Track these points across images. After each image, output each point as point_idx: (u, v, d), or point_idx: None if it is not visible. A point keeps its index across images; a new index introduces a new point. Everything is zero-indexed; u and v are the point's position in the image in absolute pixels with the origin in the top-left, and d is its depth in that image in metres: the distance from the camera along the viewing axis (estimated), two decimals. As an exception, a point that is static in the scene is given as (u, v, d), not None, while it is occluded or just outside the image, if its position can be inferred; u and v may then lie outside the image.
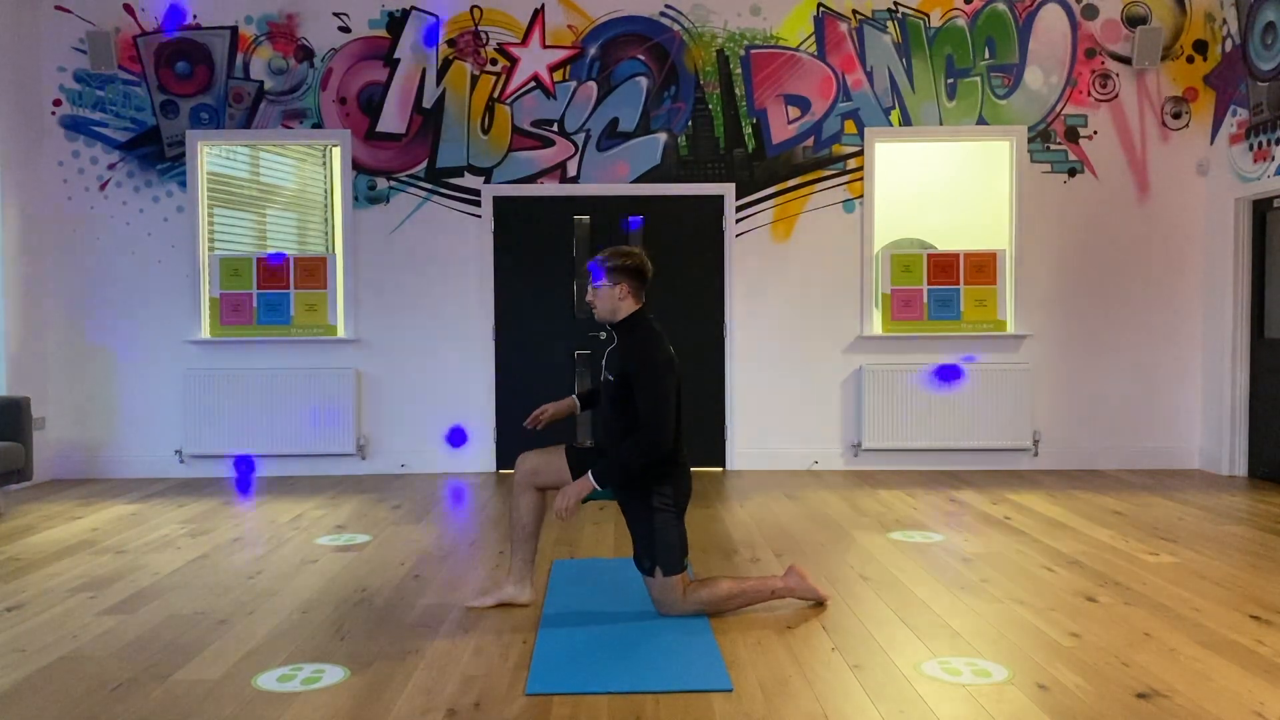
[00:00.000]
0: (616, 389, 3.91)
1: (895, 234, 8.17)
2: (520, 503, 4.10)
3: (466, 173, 7.71)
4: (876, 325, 7.79)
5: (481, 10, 7.67)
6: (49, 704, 3.20)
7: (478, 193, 7.71)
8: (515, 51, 7.68)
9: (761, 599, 4.05)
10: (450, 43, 7.68)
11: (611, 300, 3.96)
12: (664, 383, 3.83)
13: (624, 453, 3.82)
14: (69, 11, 7.60)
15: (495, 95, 7.69)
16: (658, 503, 3.91)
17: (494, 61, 7.68)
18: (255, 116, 7.68)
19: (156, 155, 7.69)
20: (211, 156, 7.90)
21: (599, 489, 3.85)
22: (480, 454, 7.75)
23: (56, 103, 7.64)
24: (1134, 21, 7.65)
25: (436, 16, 7.64)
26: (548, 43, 7.67)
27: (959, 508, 6.26)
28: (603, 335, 7.74)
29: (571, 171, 7.70)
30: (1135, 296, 7.75)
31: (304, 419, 7.64)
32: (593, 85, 7.68)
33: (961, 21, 7.68)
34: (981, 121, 7.71)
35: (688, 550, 4.00)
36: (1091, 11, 7.67)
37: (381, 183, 7.71)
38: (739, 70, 7.70)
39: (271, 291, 7.69)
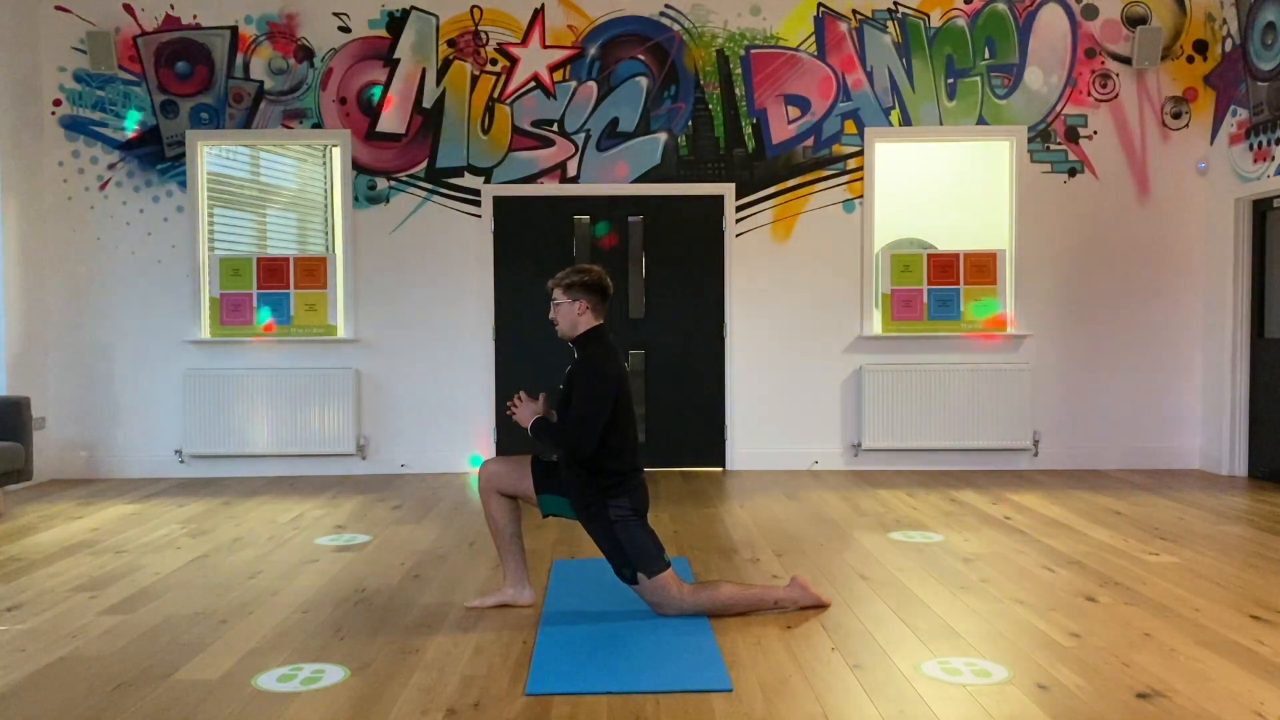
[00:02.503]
0: (567, 398, 4.00)
1: (895, 234, 8.17)
2: (490, 510, 4.13)
3: (466, 173, 7.71)
4: (876, 325, 7.79)
5: (481, 10, 7.67)
6: (49, 704, 3.20)
7: (478, 193, 7.71)
8: (515, 51, 7.68)
9: (763, 607, 4.06)
10: (450, 43, 7.68)
11: (571, 316, 4.03)
12: (601, 397, 3.90)
13: (553, 432, 3.96)
14: (69, 11, 7.60)
15: (495, 95, 7.69)
16: (615, 515, 3.95)
17: (494, 61, 7.68)
18: (255, 116, 7.68)
19: (156, 155, 7.69)
20: (211, 156, 7.90)
21: (530, 434, 3.99)
22: (481, 454, 7.74)
23: (56, 102, 7.64)
24: (1134, 21, 7.65)
25: (437, 15, 7.64)
26: (548, 43, 7.67)
27: (959, 508, 6.26)
28: (603, 335, 7.73)
29: (571, 171, 7.70)
30: (1135, 296, 7.75)
31: (304, 419, 7.64)
32: (593, 85, 7.68)
33: (961, 21, 7.68)
34: (981, 121, 7.71)
35: (663, 548, 4.02)
36: (1091, 11, 7.67)
37: (381, 183, 7.72)
38: (739, 70, 7.70)
39: (272, 292, 7.69)
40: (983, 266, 7.73)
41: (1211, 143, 7.61)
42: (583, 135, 7.69)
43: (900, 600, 4.25)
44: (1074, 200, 7.72)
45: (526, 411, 4.03)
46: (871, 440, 7.68)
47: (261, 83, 7.67)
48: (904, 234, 8.25)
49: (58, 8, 7.61)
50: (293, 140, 7.95)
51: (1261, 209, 7.26)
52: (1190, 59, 7.68)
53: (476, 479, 4.20)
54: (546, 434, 3.98)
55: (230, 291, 7.69)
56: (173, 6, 7.64)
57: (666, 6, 7.68)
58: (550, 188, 7.71)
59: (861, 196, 7.71)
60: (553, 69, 7.68)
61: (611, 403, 3.92)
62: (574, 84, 7.69)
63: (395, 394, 7.76)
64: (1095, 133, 7.70)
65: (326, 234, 8.79)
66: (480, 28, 7.68)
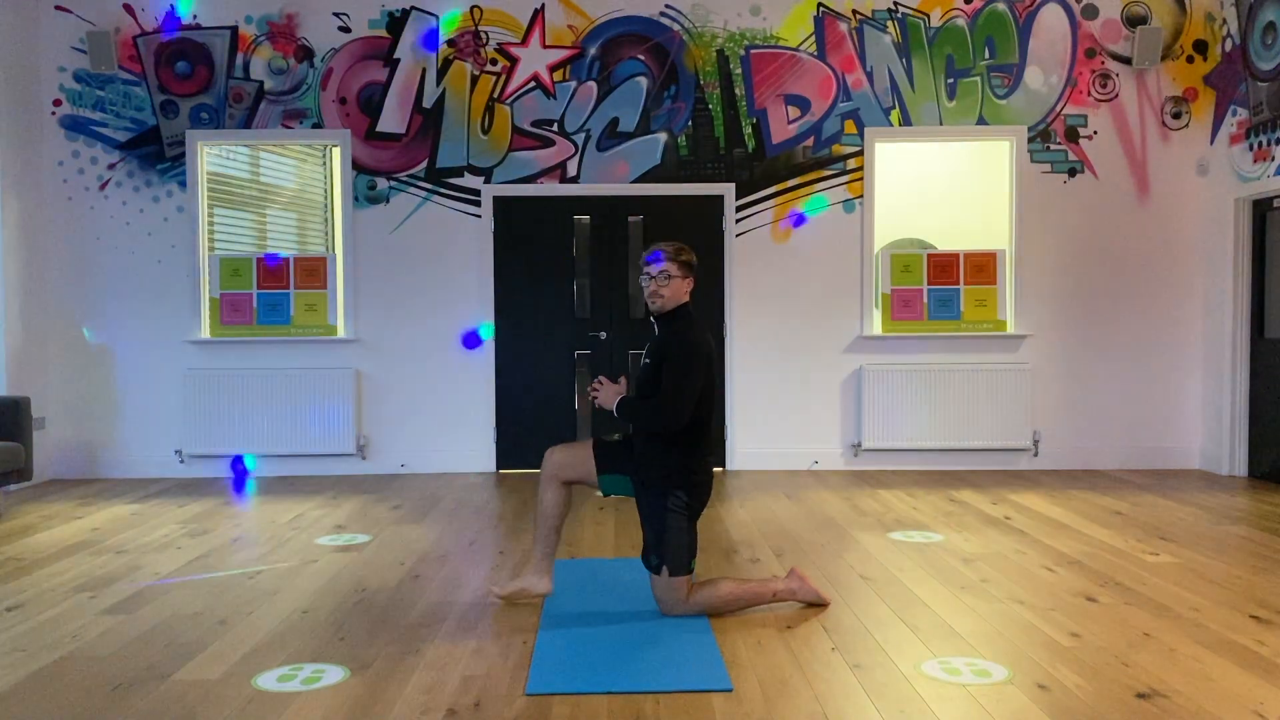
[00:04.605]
0: (653, 372, 4.00)
1: (895, 234, 8.17)
2: (545, 496, 4.14)
3: (466, 173, 7.71)
4: (876, 325, 7.79)
5: (481, 10, 7.67)
6: (49, 704, 3.20)
7: (478, 193, 7.71)
8: (515, 51, 7.68)
9: (763, 601, 4.07)
10: (450, 43, 7.68)
11: (680, 291, 4.05)
12: (694, 370, 3.91)
13: (643, 408, 3.95)
14: (69, 11, 7.60)
15: (495, 95, 7.69)
16: (671, 504, 3.96)
17: (494, 61, 7.68)
18: (255, 116, 7.68)
19: (156, 155, 7.69)
20: (211, 156, 7.90)
21: (615, 415, 4.01)
22: (480, 454, 7.75)
23: (56, 103, 7.64)
24: (1134, 21, 7.65)
25: (436, 16, 7.64)
26: (548, 43, 7.67)
27: (959, 508, 6.26)
28: (603, 335, 7.75)
29: (571, 171, 7.70)
30: (1135, 296, 7.75)
31: (304, 419, 7.64)
32: (593, 85, 7.68)
33: (961, 21, 7.68)
34: (981, 121, 7.71)
35: (696, 554, 4.03)
36: (1091, 11, 7.67)
37: (381, 183, 7.72)
38: (739, 70, 7.70)
39: (272, 291, 7.70)
40: (983, 266, 7.73)
41: (1211, 143, 7.61)
42: (583, 135, 7.69)
43: (900, 600, 4.25)
44: (1074, 200, 7.72)
45: (610, 393, 4.05)
46: (871, 440, 7.68)
47: (261, 83, 7.67)
48: (904, 234, 8.25)
49: (58, 8, 7.61)
50: (293, 140, 7.94)
51: (1261, 209, 7.25)
52: (1190, 59, 7.68)
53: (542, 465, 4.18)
54: (634, 412, 3.98)
55: (230, 291, 7.69)
56: (173, 7, 7.63)
57: (666, 6, 7.68)
58: (550, 188, 7.71)
59: (861, 196, 7.71)
60: (553, 69, 7.68)
61: (704, 377, 3.93)
62: (574, 84, 7.69)
63: (395, 394, 7.76)
64: (1095, 133, 7.70)
65: (326, 234, 8.79)
66: (480, 28, 7.68)
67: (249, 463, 7.58)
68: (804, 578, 4.13)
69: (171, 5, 7.51)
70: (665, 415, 3.90)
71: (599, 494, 4.21)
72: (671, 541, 3.94)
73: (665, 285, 4.01)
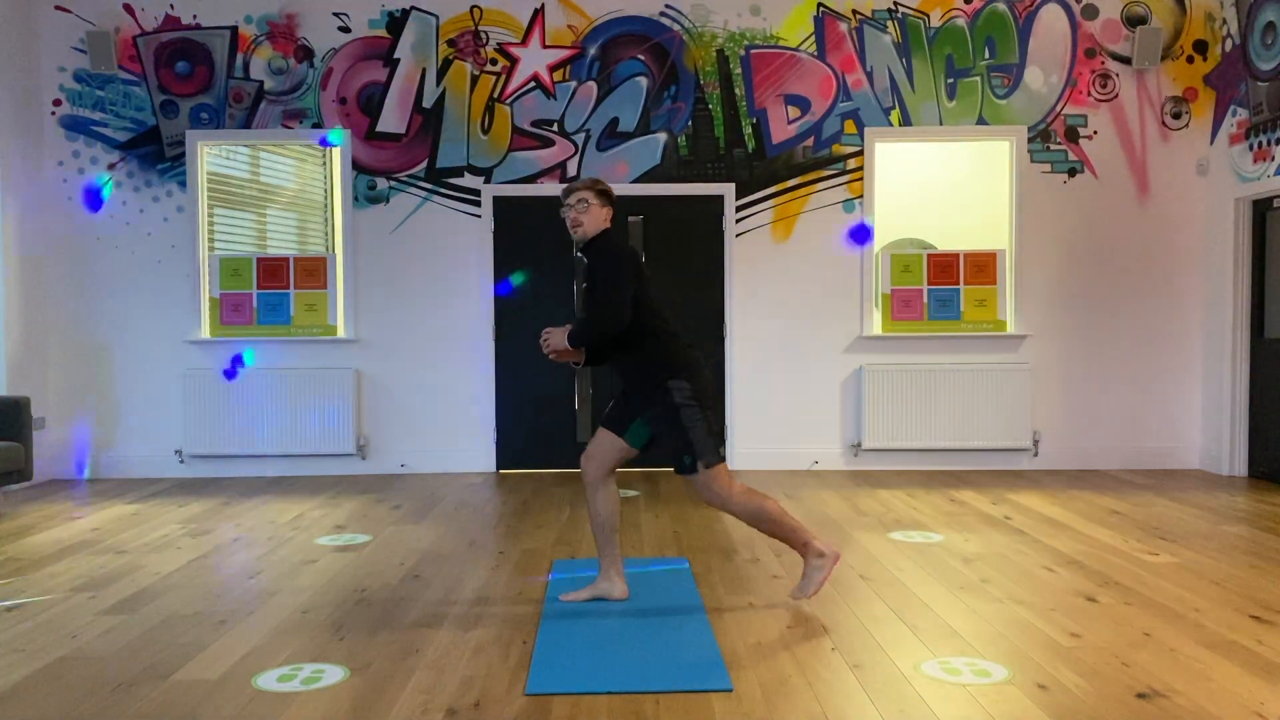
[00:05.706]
0: (591, 292, 4.10)
1: (895, 234, 8.17)
2: (596, 501, 4.17)
3: (466, 173, 7.71)
4: (876, 325, 7.79)
5: (481, 10, 7.67)
6: (49, 704, 3.20)
7: (478, 193, 7.71)
8: (515, 51, 7.68)
9: (794, 541, 4.07)
10: (450, 43, 7.68)
11: (600, 219, 4.16)
12: (621, 269, 4.00)
13: (584, 322, 4.04)
14: (69, 11, 7.60)
15: (495, 95, 7.69)
16: (679, 398, 3.98)
17: (494, 61, 7.68)
18: (255, 116, 7.68)
19: (156, 155, 7.69)
20: (211, 156, 7.90)
21: (570, 344, 4.07)
22: (480, 454, 7.75)
23: (56, 103, 7.64)
24: (1134, 21, 7.65)
25: (436, 16, 7.65)
26: (548, 43, 7.67)
27: (959, 508, 6.26)
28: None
29: (571, 171, 7.70)
30: (1135, 296, 7.75)
31: (304, 419, 7.64)
32: (593, 85, 7.68)
33: (961, 21, 7.68)
34: (981, 121, 7.71)
35: (724, 439, 4.02)
36: (1091, 11, 7.67)
37: (381, 183, 7.72)
38: (739, 70, 7.70)
39: (272, 291, 7.70)
40: (983, 266, 7.73)
41: (1211, 143, 7.61)
42: (583, 135, 7.69)
43: (900, 600, 4.25)
44: (1074, 200, 7.72)
45: (558, 334, 4.10)
46: (871, 440, 7.68)
47: (261, 83, 7.67)
48: (904, 234, 8.25)
49: (58, 8, 7.61)
50: (293, 140, 7.95)
51: (1261, 209, 7.25)
52: (1190, 59, 7.68)
53: (584, 473, 4.21)
54: (581, 329, 4.04)
55: (230, 291, 7.69)
56: (172, 6, 7.64)
57: (666, 6, 7.68)
58: (550, 188, 7.70)
59: (861, 196, 7.71)
60: (553, 69, 7.68)
61: (633, 275, 4.00)
62: (574, 84, 7.69)
63: (395, 394, 7.76)
64: (1095, 133, 7.70)
65: (326, 234, 8.78)
66: (480, 28, 7.68)
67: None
68: (836, 560, 4.11)
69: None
70: (603, 315, 3.97)
71: (638, 454, 4.20)
72: (695, 433, 3.95)
73: (584, 212, 4.12)
